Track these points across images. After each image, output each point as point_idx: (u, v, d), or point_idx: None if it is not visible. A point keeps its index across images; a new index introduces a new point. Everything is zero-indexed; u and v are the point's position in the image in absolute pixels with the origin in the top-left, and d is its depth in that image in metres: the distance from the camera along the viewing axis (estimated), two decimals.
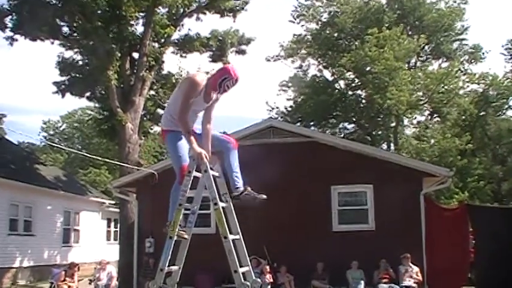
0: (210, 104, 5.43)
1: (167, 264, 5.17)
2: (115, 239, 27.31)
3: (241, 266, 5.04)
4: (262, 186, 12.26)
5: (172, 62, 53.55)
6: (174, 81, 23.57)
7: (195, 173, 5.23)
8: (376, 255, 13.78)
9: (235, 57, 25.66)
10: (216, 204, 5.09)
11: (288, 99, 39.57)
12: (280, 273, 13.65)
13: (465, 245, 15.05)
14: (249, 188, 5.34)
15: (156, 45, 22.84)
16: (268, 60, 39.35)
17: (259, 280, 5.23)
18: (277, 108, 39.08)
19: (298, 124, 34.00)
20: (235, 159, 5.42)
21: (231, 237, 5.05)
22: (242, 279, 4.92)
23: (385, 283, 13.55)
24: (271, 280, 13.29)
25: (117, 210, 23.36)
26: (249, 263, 5.29)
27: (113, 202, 27.29)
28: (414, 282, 13.72)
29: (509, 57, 45.87)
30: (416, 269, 13.94)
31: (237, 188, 5.29)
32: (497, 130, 42.45)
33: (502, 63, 51.13)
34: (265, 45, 73.11)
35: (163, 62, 23.38)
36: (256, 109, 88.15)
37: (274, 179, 14.04)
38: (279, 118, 37.67)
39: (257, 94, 76.69)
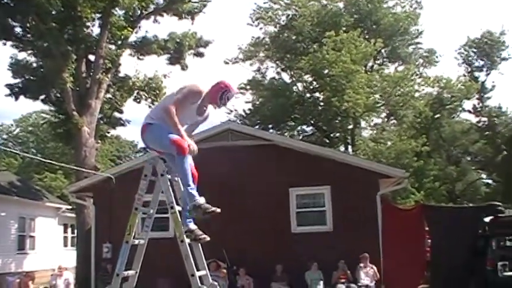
0: (196, 121, 5.55)
1: (124, 269, 5.11)
2: (72, 245, 26.86)
3: (198, 270, 5.03)
4: (221, 189, 12.32)
5: (129, 65, 53.18)
6: (131, 84, 23.36)
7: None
8: (334, 256, 13.91)
9: (193, 60, 25.65)
10: (172, 208, 5.07)
11: (246, 102, 39.65)
12: (239, 275, 13.65)
13: (421, 244, 15.31)
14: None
15: (113, 47, 22.59)
16: (227, 62, 39.37)
17: (216, 283, 5.21)
18: (235, 111, 39.12)
19: (257, 127, 34.07)
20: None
21: (187, 240, 5.03)
22: (199, 283, 4.90)
23: (342, 283, 13.70)
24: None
25: (74, 215, 22.98)
26: (206, 267, 5.27)
27: (70, 207, 26.85)
28: (372, 281, 13.92)
29: (462, 61, 47.06)
30: (374, 268, 14.16)
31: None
32: (452, 132, 43.44)
33: (455, 67, 52.41)
34: (224, 47, 73.16)
35: (120, 64, 23.13)
36: (215, 112, 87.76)
37: (232, 182, 14.09)
38: (238, 121, 37.72)
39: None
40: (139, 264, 5.33)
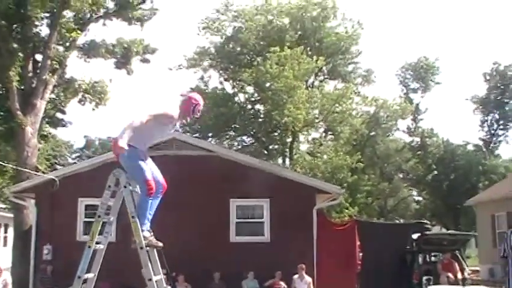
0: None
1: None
2: (4, 245, 26.44)
3: (154, 275, 5.48)
4: (163, 197, 12.59)
5: (76, 67, 52.53)
6: (76, 86, 23.31)
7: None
8: (271, 266, 14.44)
9: (140, 66, 25.80)
10: (133, 217, 5.49)
11: None
12: (178, 282, 13.98)
13: (353, 257, 16.07)
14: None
15: (61, 48, 22.50)
16: (170, 69, 39.58)
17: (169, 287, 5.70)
18: None
19: (198, 135, 34.37)
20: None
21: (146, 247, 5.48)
22: (156, 287, 5.36)
23: None
24: None
25: (10, 215, 22.70)
26: (161, 272, 5.73)
27: (4, 206, 26.46)
28: None
29: (399, 83, 48.84)
30: (309, 279, 14.76)
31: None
32: (386, 150, 44.87)
33: (392, 87, 54.35)
34: (170, 55, 73.23)
35: (66, 65, 23.06)
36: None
37: (174, 191, 14.36)
38: (179, 129, 37.93)
39: (159, 102, 76.19)
40: (98, 267, 5.71)
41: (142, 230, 5.53)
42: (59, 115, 25.05)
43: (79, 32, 22.15)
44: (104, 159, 15.66)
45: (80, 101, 23.96)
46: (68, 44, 22.43)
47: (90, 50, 23.39)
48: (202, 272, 14.05)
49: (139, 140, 5.62)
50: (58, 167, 33.54)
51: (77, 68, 56.46)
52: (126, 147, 5.36)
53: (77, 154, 57.71)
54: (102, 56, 23.64)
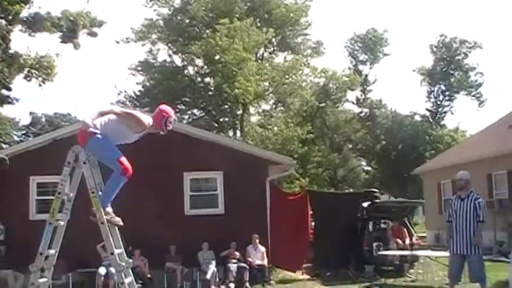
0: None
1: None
2: None
3: (115, 248, 5.57)
4: None
5: (20, 41, 51.01)
6: (21, 61, 22.80)
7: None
8: (226, 237, 14.63)
9: (87, 40, 25.39)
10: (93, 192, 5.55)
11: (137, 84, 39.49)
12: (134, 256, 14.03)
13: (305, 227, 16.41)
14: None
15: (3, 22, 21.94)
16: (118, 42, 39.01)
17: (131, 260, 5.81)
18: (125, 92, 38.94)
19: (147, 109, 34.12)
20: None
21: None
22: (118, 260, 5.46)
23: (234, 263, 14.50)
24: None
25: None
26: (122, 246, 5.82)
27: None
28: (261, 261, 14.81)
29: (348, 54, 49.38)
30: (263, 249, 15.05)
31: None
32: (335, 121, 45.48)
33: (341, 59, 54.89)
34: (117, 28, 71.90)
35: (10, 40, 22.51)
36: (105, 92, 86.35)
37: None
38: (128, 102, 37.60)
39: (106, 77, 75.24)
40: (59, 244, 5.75)
41: (106, 207, 5.59)
42: (4, 92, 24.48)
43: (22, 4, 21.59)
44: (54, 136, 15.48)
45: (25, 77, 23.49)
46: (10, 17, 21.85)
47: (35, 24, 22.88)
48: (158, 246, 14.09)
49: (103, 131, 5.64)
50: (3, 145, 32.83)
51: (22, 42, 54.72)
52: (94, 128, 5.46)
53: (23, 132, 56.58)
54: (47, 30, 23.17)
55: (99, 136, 5.59)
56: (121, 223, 5.79)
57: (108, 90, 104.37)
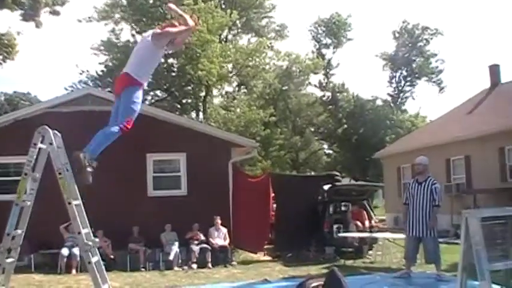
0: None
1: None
2: None
3: (83, 228, 5.65)
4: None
5: None
6: None
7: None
8: (188, 218, 14.76)
9: (49, 18, 24.98)
10: (60, 173, 5.60)
11: (99, 63, 39.06)
12: (97, 237, 14.03)
13: (267, 209, 16.63)
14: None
15: None
16: (80, 21, 38.45)
17: (97, 240, 5.91)
18: (87, 71, 38.48)
19: (110, 89, 33.78)
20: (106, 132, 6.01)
21: (74, 202, 5.62)
22: (85, 239, 5.54)
23: (196, 244, 14.64)
24: None
25: None
26: (88, 225, 5.90)
27: None
28: (223, 242, 14.99)
29: (311, 38, 49.59)
30: (225, 230, 15.23)
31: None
32: (298, 104, 45.83)
33: (305, 43, 55.15)
34: (82, 7, 70.71)
35: None
36: (67, 72, 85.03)
37: None
38: (90, 82, 37.20)
39: (68, 56, 74.05)
40: (25, 224, 5.80)
41: (92, 160, 5.77)
42: None
43: None
44: (15, 117, 15.32)
45: None
46: None
47: None
48: (121, 227, 14.13)
49: (148, 74, 5.97)
50: None
51: None
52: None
53: None
54: (8, 7, 22.68)
55: (139, 89, 5.85)
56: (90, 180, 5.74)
57: (70, 70, 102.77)
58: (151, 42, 5.86)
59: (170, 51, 5.58)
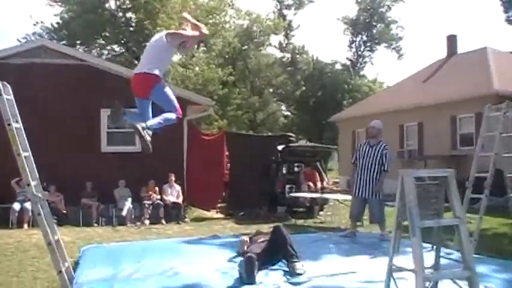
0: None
1: None
2: None
3: (32, 180, 5.67)
4: (33, 107, 12.34)
5: None
6: None
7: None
8: (142, 175, 14.77)
9: None
10: (9, 124, 5.58)
11: (55, 15, 38.06)
12: (49, 192, 13.98)
13: (221, 167, 16.77)
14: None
15: None
16: None
17: (46, 193, 5.94)
18: (42, 23, 37.50)
19: (64, 42, 33.13)
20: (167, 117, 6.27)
21: (23, 154, 5.62)
22: (34, 191, 5.57)
23: (149, 200, 14.72)
24: None
25: None
26: (37, 177, 5.92)
27: None
28: (177, 199, 15.10)
29: None
30: (178, 187, 15.33)
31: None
32: (257, 64, 45.81)
33: (267, 2, 54.88)
34: None
35: None
36: (20, 23, 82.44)
37: (45, 100, 14.13)
38: (45, 34, 36.32)
39: (22, 7, 71.89)
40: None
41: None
42: None
43: None
44: None
45: None
46: None
47: None
48: (73, 182, 14.08)
49: (163, 71, 6.25)
50: None
51: None
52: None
53: None
54: None
55: (161, 82, 6.19)
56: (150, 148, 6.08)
57: (24, 21, 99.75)
58: (165, 40, 6.19)
59: (180, 53, 6.24)
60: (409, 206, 3.63)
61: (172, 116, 6.26)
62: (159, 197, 14.94)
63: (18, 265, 8.30)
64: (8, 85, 5.87)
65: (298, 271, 6.25)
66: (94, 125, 15.41)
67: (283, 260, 6.58)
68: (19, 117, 5.85)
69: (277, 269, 6.38)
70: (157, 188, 15.02)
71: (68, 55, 15.81)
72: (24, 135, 5.87)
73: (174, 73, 33.81)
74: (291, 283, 5.71)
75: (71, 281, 5.85)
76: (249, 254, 6.08)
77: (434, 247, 4.21)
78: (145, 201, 14.65)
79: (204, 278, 5.93)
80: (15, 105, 5.88)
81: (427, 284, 3.77)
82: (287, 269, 6.36)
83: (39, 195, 5.62)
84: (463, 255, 3.89)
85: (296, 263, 6.39)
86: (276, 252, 6.58)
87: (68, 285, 5.73)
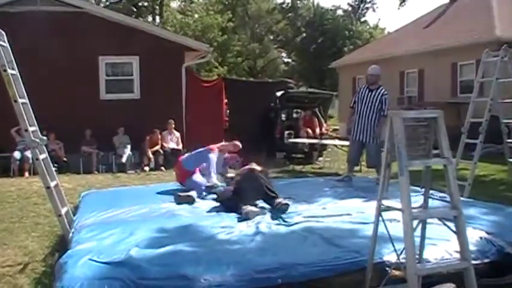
0: None
1: None
2: None
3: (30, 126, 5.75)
4: (31, 56, 12.27)
5: None
6: None
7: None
8: (141, 122, 14.84)
9: None
10: (5, 70, 5.62)
11: None
12: (49, 140, 14.05)
13: (220, 114, 16.81)
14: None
15: None
16: None
17: (45, 138, 6.02)
18: None
19: None
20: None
21: (20, 100, 5.67)
22: (32, 136, 5.65)
23: (151, 147, 14.86)
24: None
25: None
26: (36, 124, 5.99)
27: None
28: (176, 146, 15.21)
29: None
30: (178, 134, 15.42)
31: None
32: (257, 10, 45.26)
33: None
34: None
35: None
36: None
37: (42, 48, 14.04)
38: None
39: None
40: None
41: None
42: None
43: None
44: None
45: None
46: None
47: None
48: (73, 129, 14.15)
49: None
50: None
51: None
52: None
53: None
54: None
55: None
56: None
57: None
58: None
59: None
60: (398, 145, 3.70)
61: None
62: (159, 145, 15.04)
63: (20, 211, 8.49)
64: (3, 32, 5.87)
65: (283, 205, 6.36)
66: (92, 73, 15.40)
67: (266, 203, 6.66)
68: (15, 65, 5.86)
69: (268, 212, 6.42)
70: (159, 136, 15.11)
71: (64, 2, 15.59)
72: (21, 82, 5.89)
73: (172, 20, 33.51)
74: (284, 224, 5.81)
75: (70, 225, 5.98)
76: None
77: (423, 188, 4.29)
78: (145, 148, 14.72)
79: (198, 218, 6.07)
80: (10, 53, 5.89)
81: (414, 222, 3.87)
82: (273, 211, 6.39)
83: (37, 140, 5.70)
84: (450, 195, 3.97)
85: (277, 199, 6.49)
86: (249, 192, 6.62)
87: (67, 228, 5.87)
